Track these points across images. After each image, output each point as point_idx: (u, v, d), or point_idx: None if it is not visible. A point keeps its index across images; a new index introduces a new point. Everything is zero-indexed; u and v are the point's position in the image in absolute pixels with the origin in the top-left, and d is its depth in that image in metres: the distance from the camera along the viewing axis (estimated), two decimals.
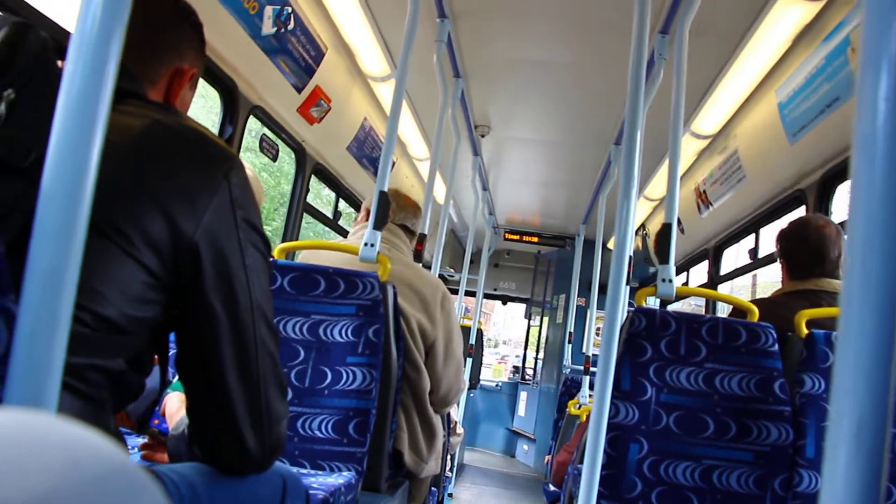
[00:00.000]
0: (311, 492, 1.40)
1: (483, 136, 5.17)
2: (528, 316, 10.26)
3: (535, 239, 8.32)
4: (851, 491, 0.53)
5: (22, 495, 0.31)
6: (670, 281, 2.19)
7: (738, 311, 2.33)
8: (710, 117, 4.05)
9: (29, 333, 0.66)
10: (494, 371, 14.69)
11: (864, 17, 0.55)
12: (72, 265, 0.68)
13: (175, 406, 1.41)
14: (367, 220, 2.64)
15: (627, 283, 2.66)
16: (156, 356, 1.10)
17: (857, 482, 0.53)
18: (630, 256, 2.38)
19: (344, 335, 2.08)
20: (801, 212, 3.60)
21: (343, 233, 5.09)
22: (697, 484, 1.97)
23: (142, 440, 1.46)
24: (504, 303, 10.45)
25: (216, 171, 1.03)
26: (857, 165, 0.56)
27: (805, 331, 2.02)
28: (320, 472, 1.94)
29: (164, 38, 1.21)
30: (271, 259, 2.21)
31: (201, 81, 1.38)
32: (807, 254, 2.36)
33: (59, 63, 0.98)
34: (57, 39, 0.98)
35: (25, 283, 0.67)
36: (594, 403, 1.89)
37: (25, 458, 0.33)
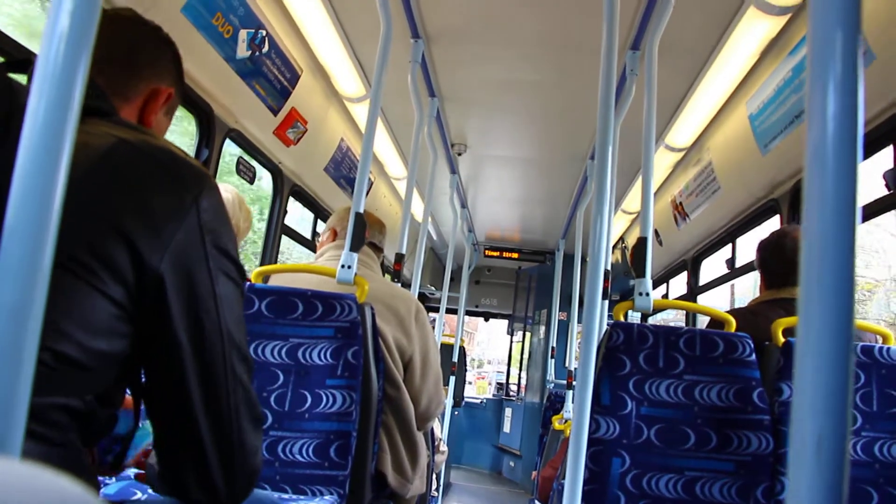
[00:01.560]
0: None
1: (460, 154, 5.19)
2: (511, 332, 10.27)
3: (516, 255, 8.35)
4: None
5: None
6: (647, 294, 2.20)
7: (716, 321, 2.35)
8: (684, 130, 4.10)
9: None
10: (479, 388, 14.65)
11: (810, 40, 0.56)
12: (37, 303, 0.65)
13: None
14: (332, 240, 2.64)
15: (606, 297, 2.67)
16: (127, 390, 1.05)
17: (820, 498, 0.54)
18: (608, 270, 2.40)
19: (323, 358, 2.08)
20: (775, 221, 3.64)
21: None
22: (680, 496, 1.98)
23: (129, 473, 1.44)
24: (486, 319, 10.43)
25: (185, 194, 0.98)
26: (809, 181, 0.57)
27: (782, 339, 2.04)
28: (302, 497, 1.93)
29: (143, 55, 1.18)
30: (248, 283, 2.20)
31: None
32: (784, 264, 2.39)
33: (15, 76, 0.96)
34: (10, 54, 0.95)
35: None
36: (574, 419, 1.90)
37: None
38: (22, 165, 0.66)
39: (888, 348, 2.11)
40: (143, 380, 1.03)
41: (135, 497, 1.39)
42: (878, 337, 2.38)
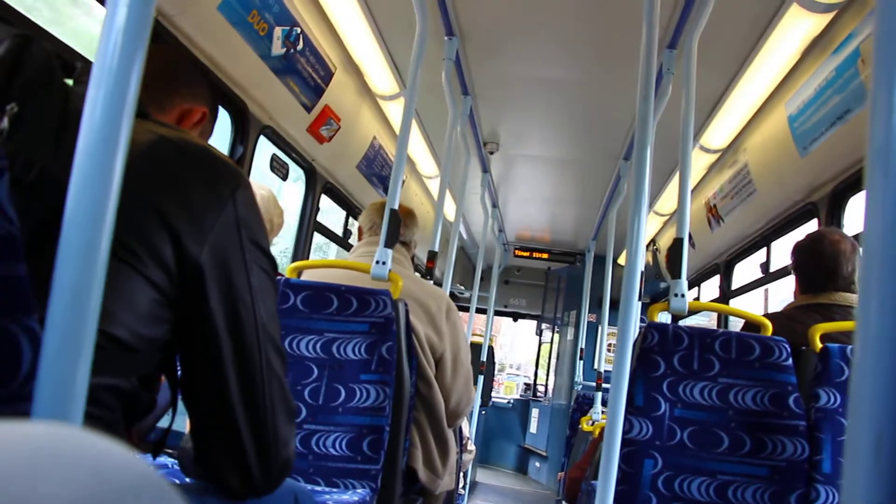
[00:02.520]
0: None
1: (492, 153, 5.18)
2: (539, 333, 10.23)
3: (546, 255, 8.32)
4: None
5: None
6: (683, 296, 2.18)
7: (751, 325, 2.32)
8: (720, 131, 4.05)
9: (55, 352, 0.67)
10: (506, 388, 14.62)
11: (878, 24, 0.54)
12: (96, 284, 0.69)
13: None
14: (362, 237, 2.65)
15: (639, 299, 2.65)
16: (164, 375, 1.08)
17: (880, 499, 0.53)
18: (641, 272, 2.38)
19: (357, 353, 2.09)
20: (812, 225, 3.59)
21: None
22: (712, 499, 1.96)
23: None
24: (515, 319, 10.42)
25: (222, 189, 1.02)
26: (872, 175, 0.56)
27: (819, 345, 2.01)
28: (335, 490, 1.94)
29: (180, 78, 1.27)
30: (283, 277, 2.22)
31: None
32: (821, 268, 2.35)
33: (68, 81, 0.99)
34: (62, 56, 0.98)
35: (51, 301, 0.67)
36: (608, 419, 1.88)
37: (52, 468, 0.33)
38: (80, 159, 0.70)
39: None
40: (181, 369, 1.05)
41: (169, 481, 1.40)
42: None
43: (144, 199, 0.94)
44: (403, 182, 5.29)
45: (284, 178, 3.91)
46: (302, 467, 2.00)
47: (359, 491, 1.93)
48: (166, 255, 0.94)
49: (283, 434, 1.07)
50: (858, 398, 0.55)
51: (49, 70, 0.93)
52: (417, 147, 5.08)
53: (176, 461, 1.19)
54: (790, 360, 2.02)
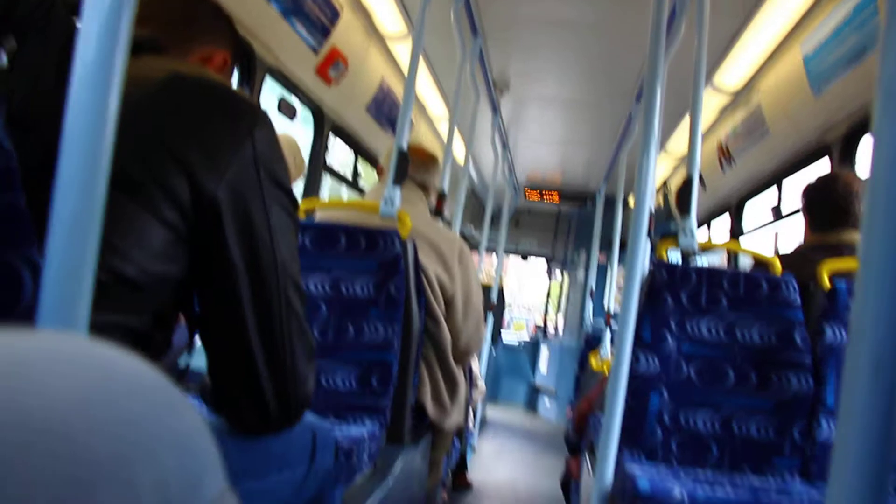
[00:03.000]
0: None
1: (502, 94, 5.13)
2: (550, 273, 10.26)
3: (556, 197, 8.28)
4: (868, 428, 0.54)
5: (53, 403, 0.31)
6: (692, 234, 2.18)
7: (760, 264, 2.33)
8: (734, 72, 3.99)
9: (55, 283, 0.68)
10: (516, 327, 14.71)
11: None
12: (94, 215, 0.69)
13: None
14: (379, 178, 2.65)
15: (649, 239, 2.65)
16: (181, 314, 1.08)
17: (874, 421, 0.54)
18: (651, 213, 2.38)
19: (365, 290, 2.11)
20: (823, 164, 3.56)
21: (362, 193, 5.10)
22: (717, 432, 1.99)
23: None
24: (525, 258, 10.43)
25: (240, 125, 1.00)
26: (880, 114, 0.56)
27: (827, 283, 2.01)
28: (344, 423, 1.97)
29: (201, 22, 1.23)
30: None
31: None
32: (832, 208, 2.35)
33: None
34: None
35: (50, 233, 0.68)
36: (615, 352, 1.90)
37: (58, 368, 0.33)
38: (75, 91, 0.69)
39: None
40: (199, 306, 1.05)
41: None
42: None
43: (157, 136, 0.93)
44: (413, 124, 5.28)
45: (292, 118, 3.89)
46: (312, 402, 2.03)
47: (368, 425, 1.96)
48: (180, 191, 0.93)
49: (301, 371, 1.08)
50: (859, 325, 0.56)
51: (49, 4, 0.92)
52: (426, 89, 5.04)
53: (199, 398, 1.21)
54: (797, 297, 2.03)
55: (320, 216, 2.65)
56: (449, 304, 2.48)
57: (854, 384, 0.55)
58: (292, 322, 1.06)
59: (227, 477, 0.39)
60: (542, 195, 8.31)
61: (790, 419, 1.97)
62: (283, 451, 1.19)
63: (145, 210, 0.90)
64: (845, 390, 0.56)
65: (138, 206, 0.90)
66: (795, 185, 4.08)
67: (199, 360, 1.24)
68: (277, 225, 1.03)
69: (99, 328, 0.85)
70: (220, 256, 0.99)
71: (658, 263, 2.07)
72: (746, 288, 2.04)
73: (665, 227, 7.64)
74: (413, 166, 2.59)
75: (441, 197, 3.43)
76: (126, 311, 0.91)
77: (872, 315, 0.54)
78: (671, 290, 2.04)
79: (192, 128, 0.96)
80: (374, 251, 2.13)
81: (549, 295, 10.79)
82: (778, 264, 2.20)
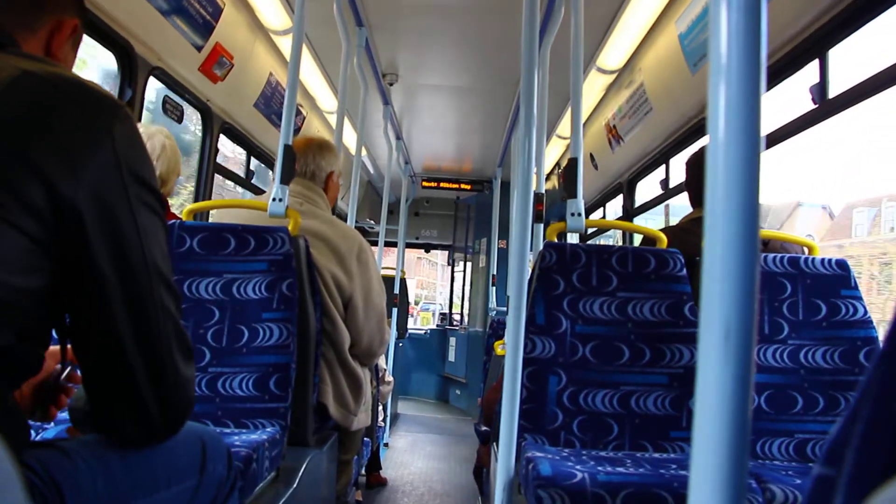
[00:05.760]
0: (233, 450, 1.39)
1: (392, 84, 5.12)
2: (451, 262, 10.32)
3: (454, 185, 8.33)
4: (724, 394, 0.56)
5: None
6: (580, 214, 2.22)
7: (648, 239, 2.39)
8: (615, 52, 4.09)
9: None
10: (423, 319, 14.77)
11: None
12: None
13: None
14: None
15: (541, 222, 2.68)
16: (52, 328, 1.02)
17: (728, 386, 0.56)
18: (540, 193, 2.40)
19: (258, 292, 2.06)
20: (706, 140, 3.67)
21: (257, 192, 5.00)
22: (616, 410, 2.03)
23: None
24: (427, 250, 10.46)
25: (96, 124, 0.95)
26: (713, 106, 0.58)
27: None
28: (244, 430, 1.93)
29: None
30: (178, 220, 2.16)
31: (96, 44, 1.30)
32: None
33: None
34: None
35: None
36: (509, 340, 1.92)
37: None
38: None
39: (812, 258, 2.17)
40: (69, 318, 1.00)
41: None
42: (804, 249, 2.45)
43: (7, 142, 0.88)
44: (304, 119, 5.21)
45: (179, 120, 3.77)
46: (210, 411, 1.98)
47: (268, 429, 1.93)
48: (36, 198, 0.88)
49: (182, 374, 1.05)
50: (709, 295, 0.57)
51: None
52: (315, 82, 4.98)
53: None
54: (684, 271, 2.09)
55: (216, 218, 2.57)
56: (348, 303, 2.44)
57: (708, 351, 0.56)
58: (168, 325, 1.02)
59: (115, 497, 0.36)
60: (438, 184, 8.35)
61: (685, 392, 2.03)
62: (171, 464, 1.14)
63: (1, 221, 0.85)
64: (701, 355, 0.58)
65: None
66: (683, 163, 4.20)
67: None
68: (145, 226, 0.99)
69: None
70: (85, 265, 0.94)
71: (547, 244, 2.10)
72: (635, 264, 2.09)
73: (562, 208, 7.78)
74: (306, 158, 2.55)
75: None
76: None
77: (720, 285, 0.56)
78: (562, 272, 2.07)
79: (43, 130, 0.91)
80: (263, 251, 2.09)
81: (452, 284, 10.86)
82: (664, 238, 2.26)
